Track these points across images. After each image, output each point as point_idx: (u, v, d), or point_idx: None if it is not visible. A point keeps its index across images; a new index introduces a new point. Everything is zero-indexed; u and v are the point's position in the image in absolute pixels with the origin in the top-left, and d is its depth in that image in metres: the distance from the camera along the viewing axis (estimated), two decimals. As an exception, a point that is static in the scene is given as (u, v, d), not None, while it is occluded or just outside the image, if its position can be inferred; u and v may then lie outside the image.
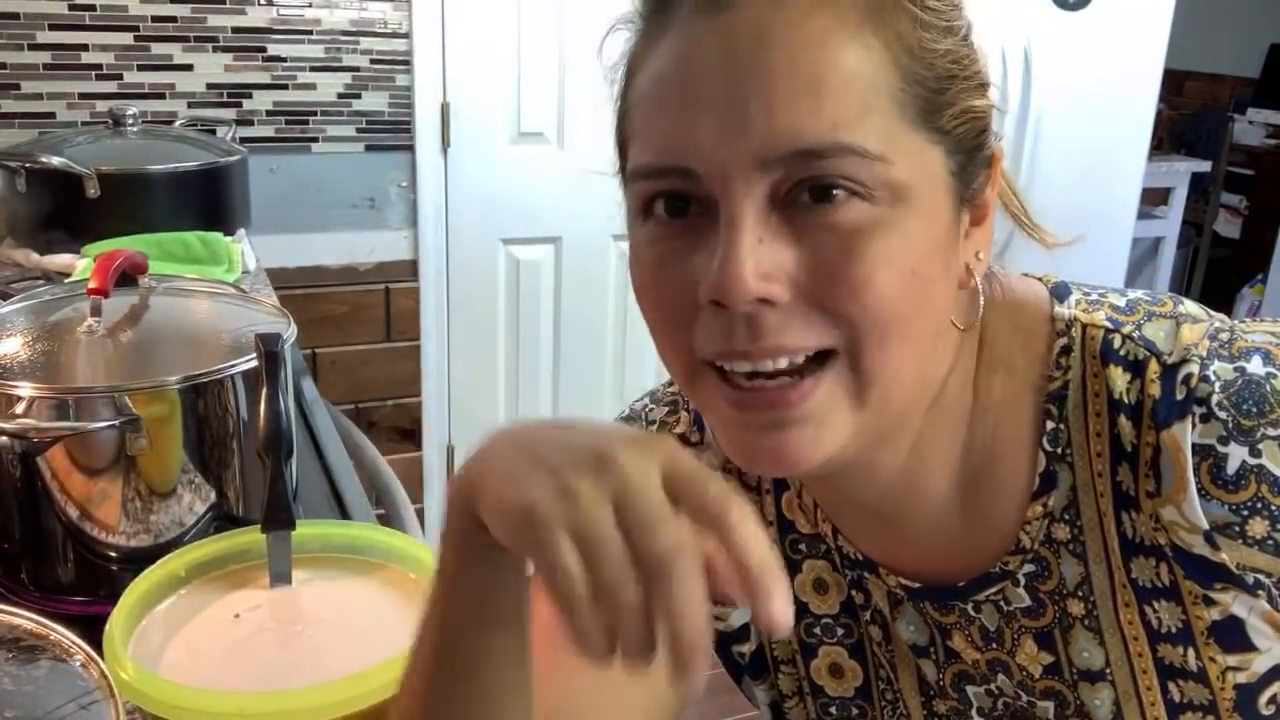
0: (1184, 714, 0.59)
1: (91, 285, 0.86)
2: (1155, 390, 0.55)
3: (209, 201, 1.65)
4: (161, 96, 2.05)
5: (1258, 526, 0.54)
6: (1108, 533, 0.58)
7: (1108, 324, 0.58)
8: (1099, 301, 0.60)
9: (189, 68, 2.06)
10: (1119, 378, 0.57)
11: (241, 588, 0.77)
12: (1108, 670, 0.60)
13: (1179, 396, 0.54)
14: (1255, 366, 0.54)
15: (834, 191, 0.49)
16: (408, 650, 0.56)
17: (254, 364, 0.82)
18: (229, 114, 2.09)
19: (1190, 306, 0.59)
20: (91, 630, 0.68)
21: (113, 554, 0.83)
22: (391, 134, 2.25)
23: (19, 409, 0.79)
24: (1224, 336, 0.56)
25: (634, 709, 0.65)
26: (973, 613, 0.63)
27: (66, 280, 1.38)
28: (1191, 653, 0.58)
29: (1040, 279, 0.63)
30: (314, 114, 2.18)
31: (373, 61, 2.19)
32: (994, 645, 0.63)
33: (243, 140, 2.01)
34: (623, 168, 0.57)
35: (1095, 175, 2.83)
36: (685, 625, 0.39)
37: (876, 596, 0.66)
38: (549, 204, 2.40)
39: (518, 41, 2.30)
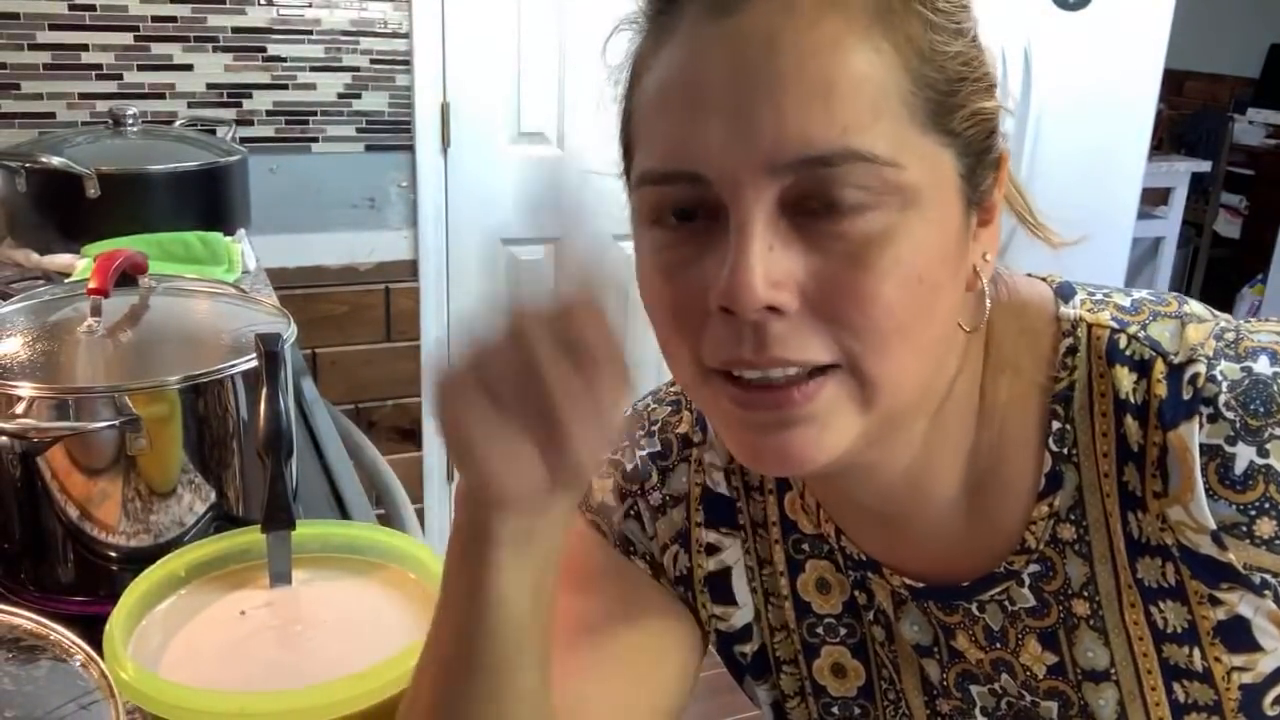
0: (1189, 714, 0.59)
1: (91, 285, 0.86)
2: (1161, 390, 0.55)
3: (209, 201, 1.65)
4: (161, 96, 2.05)
5: (1265, 526, 0.53)
6: (1113, 533, 0.58)
7: (1113, 324, 0.58)
8: (1104, 301, 0.60)
9: (189, 68, 2.06)
10: (1125, 378, 0.57)
11: (241, 588, 0.76)
12: (1112, 670, 0.60)
13: (1186, 396, 0.54)
14: (1262, 366, 0.54)
15: (844, 198, 0.48)
16: (415, 655, 0.56)
17: (254, 364, 0.82)
18: (229, 114, 2.08)
19: (1195, 306, 0.59)
20: (91, 630, 0.68)
21: (113, 554, 0.83)
22: (391, 134, 2.25)
23: (19, 409, 0.78)
24: (1230, 336, 0.56)
25: (638, 706, 0.65)
26: (977, 612, 0.63)
27: (66, 280, 1.38)
28: (1197, 653, 0.58)
29: (1045, 279, 0.63)
30: (314, 114, 2.18)
31: (373, 61, 2.19)
32: (998, 645, 0.63)
33: (243, 140, 2.01)
34: (627, 170, 0.56)
35: (1095, 175, 2.83)
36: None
37: (880, 596, 0.66)
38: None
39: (518, 41, 2.30)
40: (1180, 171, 3.94)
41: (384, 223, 2.30)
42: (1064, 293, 0.61)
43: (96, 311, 0.85)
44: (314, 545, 0.79)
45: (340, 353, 2.33)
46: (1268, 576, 0.55)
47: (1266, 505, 0.53)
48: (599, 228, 0.48)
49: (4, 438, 0.78)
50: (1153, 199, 3.79)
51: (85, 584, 0.85)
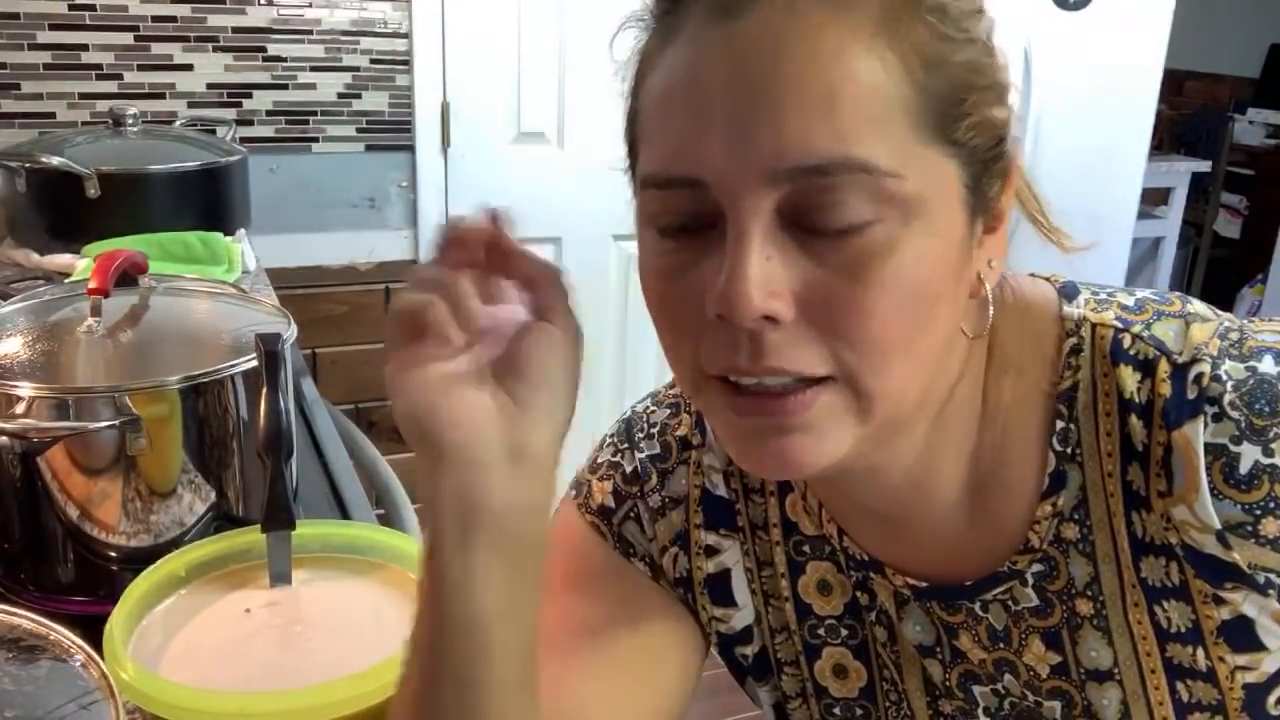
0: (1192, 714, 0.59)
1: (91, 285, 0.86)
2: (1166, 390, 0.55)
3: (209, 201, 1.65)
4: (161, 96, 2.05)
5: (1270, 526, 0.53)
6: (1117, 532, 0.58)
7: (1117, 323, 0.58)
8: (1108, 301, 0.60)
9: (189, 68, 2.06)
10: (1129, 377, 0.56)
11: (241, 588, 0.76)
12: (1116, 670, 0.60)
13: (1190, 396, 0.54)
14: (1267, 366, 0.54)
15: (843, 209, 0.48)
16: (404, 648, 0.55)
17: (254, 364, 0.82)
18: (229, 114, 2.08)
19: (1198, 306, 0.59)
20: (91, 630, 0.68)
21: (113, 554, 0.83)
22: (391, 134, 2.25)
23: (19, 409, 0.78)
24: (1234, 336, 0.55)
25: (638, 708, 0.65)
26: (980, 612, 0.63)
27: (66, 280, 1.38)
28: (1200, 652, 0.58)
29: (1048, 279, 0.63)
30: (314, 114, 2.18)
31: (373, 61, 2.19)
32: (1001, 645, 0.63)
33: (243, 140, 2.01)
34: (633, 166, 0.56)
35: (1095, 175, 2.83)
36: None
37: (882, 597, 0.66)
38: (549, 204, 2.40)
39: (518, 41, 2.30)
40: (1180, 171, 3.94)
41: (384, 223, 2.30)
42: (1068, 292, 0.61)
43: (96, 311, 0.85)
44: (314, 545, 0.79)
45: (340, 353, 2.33)
46: (1272, 576, 0.55)
47: (1272, 505, 0.53)
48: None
49: (4, 438, 0.78)
50: (1153, 199, 3.79)
51: (85, 584, 0.85)
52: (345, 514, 1.04)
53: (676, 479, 0.71)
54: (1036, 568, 0.60)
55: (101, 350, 0.86)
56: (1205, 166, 4.11)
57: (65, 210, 1.53)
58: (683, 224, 0.51)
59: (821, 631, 0.69)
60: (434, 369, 0.49)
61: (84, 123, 1.99)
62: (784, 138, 0.47)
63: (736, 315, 0.48)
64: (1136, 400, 0.56)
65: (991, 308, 0.58)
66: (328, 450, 1.20)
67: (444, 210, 2.34)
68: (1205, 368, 0.54)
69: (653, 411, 0.73)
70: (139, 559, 0.79)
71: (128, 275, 0.91)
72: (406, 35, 2.20)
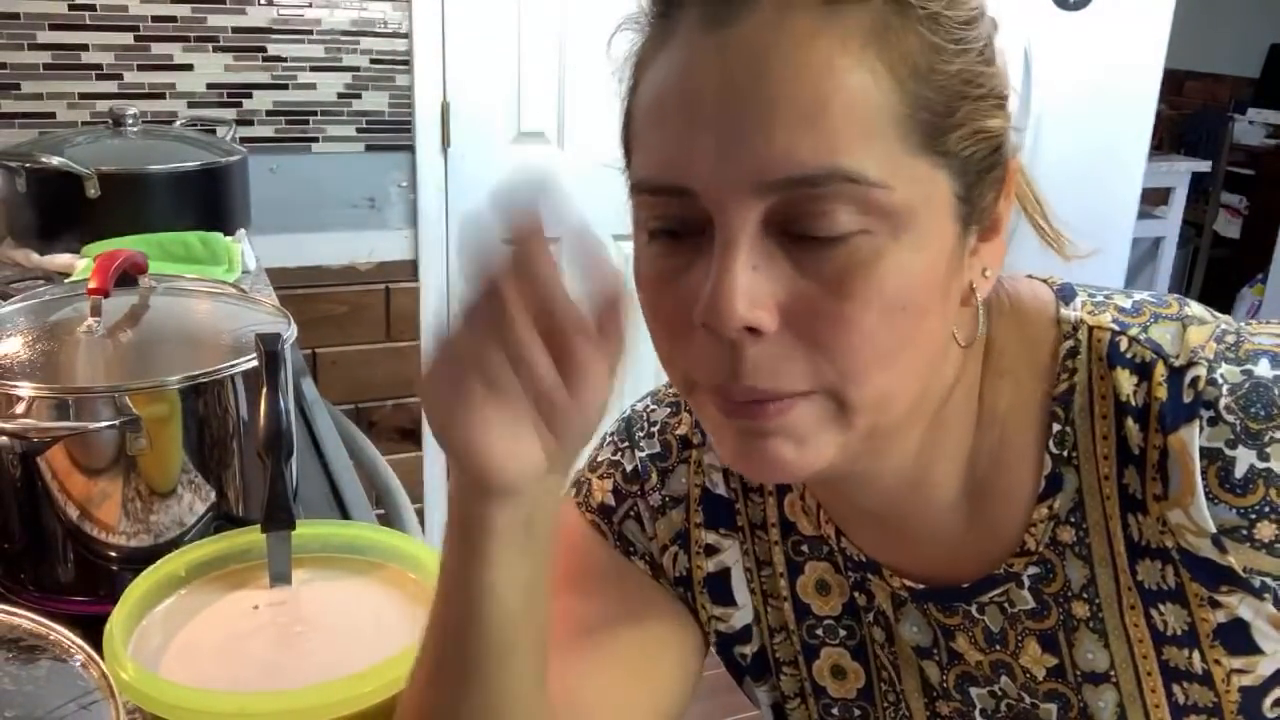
0: (1188, 716, 0.59)
1: (91, 285, 0.86)
2: (1162, 393, 0.55)
3: (209, 201, 1.65)
4: (161, 96, 2.05)
5: (1266, 530, 0.53)
6: (1114, 535, 0.58)
7: (1114, 326, 0.58)
8: (1105, 303, 0.60)
9: (189, 68, 2.06)
10: (1126, 380, 0.56)
11: (241, 588, 0.76)
12: (1112, 673, 0.60)
13: (1186, 399, 0.54)
14: (1263, 369, 0.54)
15: (830, 220, 0.48)
16: (406, 649, 0.56)
17: (254, 364, 0.82)
18: (229, 114, 2.08)
19: (1195, 308, 0.59)
20: (91, 630, 0.68)
21: (113, 554, 0.83)
22: (391, 134, 2.25)
23: (19, 409, 0.78)
24: (1230, 339, 0.55)
25: (638, 707, 0.65)
26: (977, 614, 0.63)
27: (66, 280, 1.38)
28: (1197, 655, 0.58)
29: (1046, 281, 0.63)
30: (314, 114, 2.18)
31: (373, 61, 2.19)
32: (998, 647, 0.63)
33: (243, 140, 2.00)
34: (628, 169, 0.56)
35: (1095, 175, 2.83)
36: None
37: (880, 598, 0.66)
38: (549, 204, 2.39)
39: (518, 41, 2.30)
40: (1180, 171, 3.94)
41: (384, 223, 2.30)
42: (1065, 295, 0.61)
43: (96, 311, 0.85)
44: (314, 545, 0.79)
45: (340, 353, 2.33)
46: (1267, 579, 0.55)
47: (1266, 509, 0.53)
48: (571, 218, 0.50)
49: (4, 438, 0.78)
50: (1153, 199, 3.79)
51: (85, 584, 0.85)
52: (345, 514, 1.05)
53: (676, 478, 0.71)
54: (1033, 570, 0.60)
55: (101, 350, 0.86)
56: (1205, 166, 4.11)
57: (65, 210, 1.53)
58: (673, 230, 0.52)
59: (820, 632, 0.69)
60: (477, 410, 0.47)
61: (84, 123, 1.99)
62: (772, 148, 0.47)
63: (720, 325, 0.48)
64: (1133, 403, 0.56)
65: (983, 315, 0.58)
66: (328, 450, 1.20)
67: (444, 210, 2.34)
68: (1201, 371, 0.54)
69: (653, 410, 0.74)
70: (139, 559, 0.79)
71: (128, 275, 0.91)
72: (406, 35, 2.20)
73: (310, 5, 2.11)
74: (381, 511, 1.34)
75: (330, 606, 0.76)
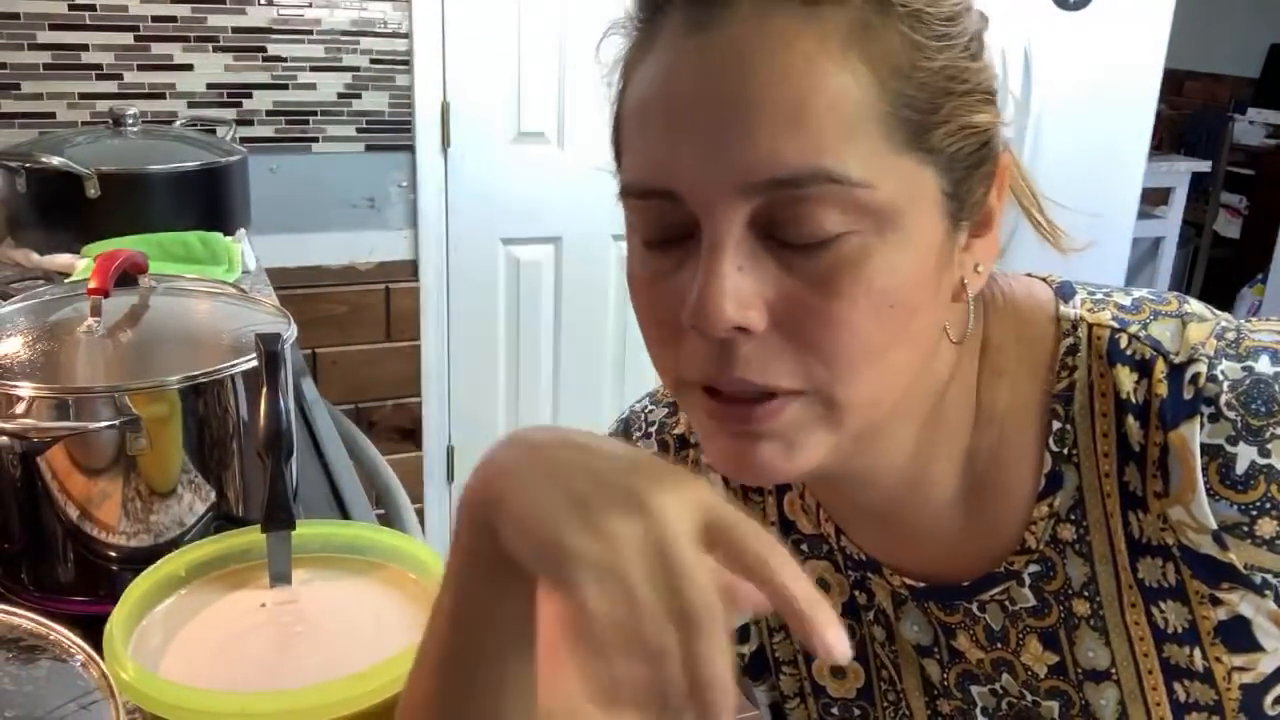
0: (1189, 714, 0.59)
1: (91, 285, 0.86)
2: (1163, 390, 0.55)
3: (209, 201, 1.65)
4: (161, 96, 2.05)
5: (1267, 526, 0.53)
6: (1114, 533, 0.58)
7: (1114, 323, 0.58)
8: (1104, 301, 0.60)
9: (189, 68, 2.06)
10: (1126, 377, 0.56)
11: (241, 588, 0.76)
12: (1113, 670, 0.60)
13: (1187, 396, 0.54)
14: (1264, 366, 0.54)
15: (815, 220, 0.48)
16: (414, 655, 0.56)
17: (254, 364, 0.82)
18: (229, 114, 2.08)
19: (1195, 305, 0.59)
20: (91, 630, 0.68)
21: (113, 554, 0.83)
22: (391, 134, 2.25)
23: (19, 409, 0.78)
24: (1231, 336, 0.55)
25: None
26: (977, 612, 0.63)
27: (66, 280, 1.38)
28: (1197, 653, 0.58)
29: (1045, 279, 0.63)
30: (314, 114, 2.18)
31: (373, 61, 2.19)
32: (999, 645, 0.63)
33: (243, 140, 2.01)
34: (619, 170, 0.57)
35: (1095, 175, 2.83)
36: (710, 675, 0.39)
37: (880, 596, 0.66)
38: (549, 204, 2.40)
39: (518, 41, 2.30)
40: (1180, 171, 3.94)
41: (384, 223, 2.30)
42: (1064, 292, 0.61)
43: (96, 311, 0.85)
44: (314, 545, 0.79)
45: (340, 353, 2.33)
46: (1268, 576, 0.55)
47: (1268, 505, 0.53)
48: None
49: (4, 438, 0.78)
50: (1153, 199, 3.79)
51: (85, 584, 0.85)
52: (345, 514, 1.05)
53: None
54: (1033, 568, 0.60)
55: (101, 350, 0.86)
56: (1205, 166, 4.11)
57: (65, 210, 1.53)
58: (661, 233, 0.52)
59: (820, 631, 0.69)
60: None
61: (84, 123, 1.99)
62: (755, 151, 0.47)
63: (708, 326, 0.48)
64: (1133, 400, 0.56)
65: (979, 313, 0.58)
66: (328, 450, 1.20)
67: (444, 210, 2.35)
68: (1202, 368, 0.54)
69: (651, 410, 0.73)
70: (139, 559, 0.79)
71: (128, 275, 0.91)
72: (406, 35, 2.20)
73: (310, 5, 2.11)
74: (381, 511, 1.34)
75: (330, 606, 0.76)
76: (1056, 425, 0.58)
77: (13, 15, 1.93)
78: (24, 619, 0.70)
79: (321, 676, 0.63)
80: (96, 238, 1.49)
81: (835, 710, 0.71)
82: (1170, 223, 3.92)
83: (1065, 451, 0.58)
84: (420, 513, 2.41)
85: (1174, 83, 4.45)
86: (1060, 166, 2.72)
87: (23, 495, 0.82)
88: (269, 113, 2.14)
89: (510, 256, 2.45)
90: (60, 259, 1.52)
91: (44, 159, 1.53)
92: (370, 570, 0.79)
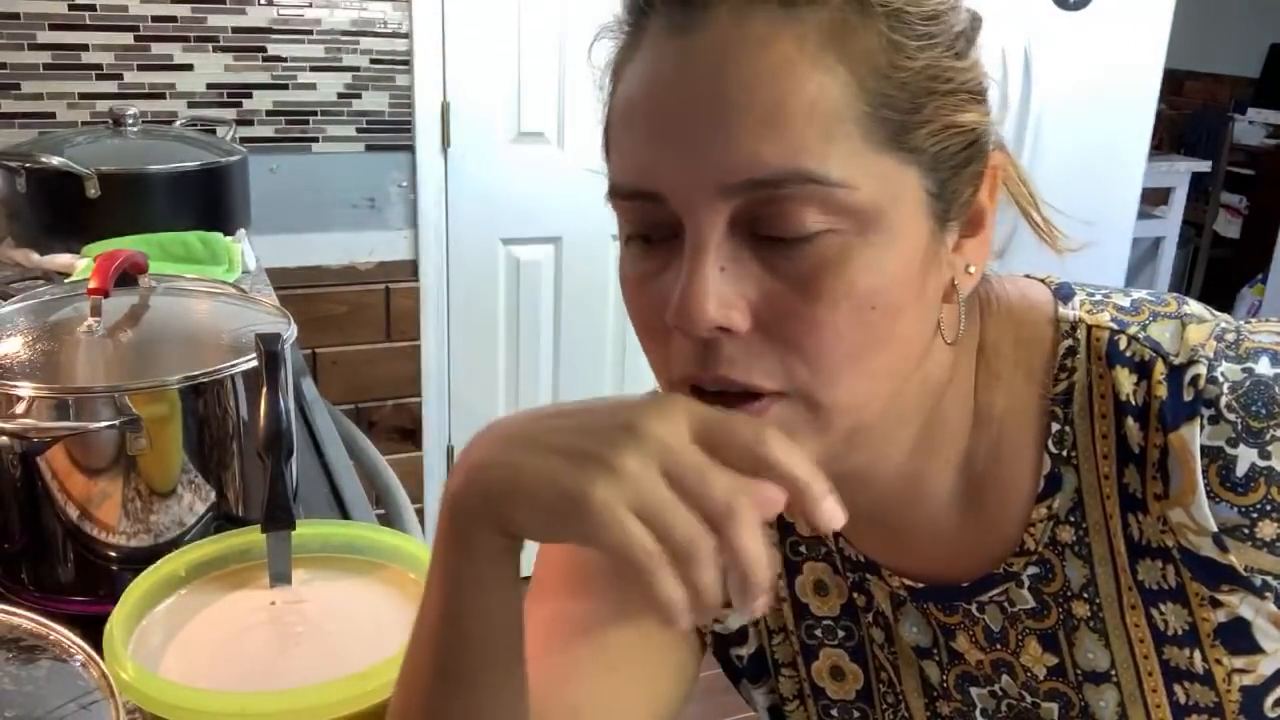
0: (1189, 716, 0.59)
1: (91, 285, 0.86)
2: (1162, 391, 0.55)
3: (209, 201, 1.65)
4: (161, 96, 2.05)
5: (1267, 529, 0.53)
6: (1114, 535, 0.58)
7: (1113, 325, 0.58)
8: (1103, 302, 0.60)
9: (189, 68, 2.06)
10: (1125, 379, 0.56)
11: (241, 588, 0.76)
12: (1113, 672, 0.60)
13: (1187, 398, 0.54)
14: (1264, 367, 0.54)
15: (794, 221, 0.48)
16: (404, 650, 0.56)
17: (254, 364, 0.82)
18: (229, 114, 2.08)
19: (1194, 307, 0.59)
20: (91, 630, 0.68)
21: (113, 554, 0.83)
22: (391, 134, 2.25)
23: (19, 409, 0.78)
24: (1230, 337, 0.55)
25: (634, 709, 0.65)
26: (977, 613, 0.63)
27: (66, 280, 1.38)
28: (1197, 655, 0.58)
29: (1043, 280, 0.62)
30: (314, 114, 2.18)
31: (373, 61, 2.19)
32: (998, 646, 0.63)
33: (243, 140, 2.00)
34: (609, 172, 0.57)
35: (1095, 175, 2.83)
36: (754, 559, 0.43)
37: (879, 598, 0.66)
38: (549, 204, 2.40)
39: (518, 41, 2.30)
40: (1180, 171, 3.94)
41: (384, 223, 2.30)
42: (1063, 294, 0.61)
43: (96, 311, 0.85)
44: (314, 545, 0.79)
45: (340, 353, 2.33)
46: (1268, 578, 0.55)
47: (1268, 507, 0.53)
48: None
49: (4, 438, 0.78)
50: (1153, 199, 3.79)
51: (85, 584, 0.85)
52: (345, 514, 1.04)
53: None
54: (1032, 570, 0.60)
55: (101, 350, 0.86)
56: (1205, 166, 4.11)
57: (65, 210, 1.53)
58: (648, 233, 0.52)
59: (819, 632, 0.69)
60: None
61: (84, 123, 1.99)
62: (733, 152, 0.47)
63: (690, 326, 0.49)
64: (1132, 402, 0.56)
65: (968, 314, 0.57)
66: (328, 450, 1.20)
67: (444, 210, 2.35)
68: (1202, 369, 0.54)
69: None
70: (139, 559, 0.79)
71: (128, 275, 0.91)
72: (406, 35, 2.20)
73: (310, 5, 2.11)
74: (381, 511, 1.34)
75: (330, 606, 0.76)
76: (1055, 427, 0.58)
77: (13, 15, 1.93)
78: (24, 619, 0.70)
79: (321, 676, 0.63)
80: (96, 238, 1.48)
81: (834, 712, 0.71)
82: (1170, 223, 3.92)
83: (1064, 453, 0.58)
84: (420, 513, 2.41)
85: (1174, 83, 4.45)
86: (1060, 166, 2.72)
87: (23, 495, 0.82)
88: (269, 113, 2.14)
89: (510, 256, 2.45)
90: (60, 259, 1.52)
91: (44, 159, 1.53)
92: (370, 570, 0.79)
